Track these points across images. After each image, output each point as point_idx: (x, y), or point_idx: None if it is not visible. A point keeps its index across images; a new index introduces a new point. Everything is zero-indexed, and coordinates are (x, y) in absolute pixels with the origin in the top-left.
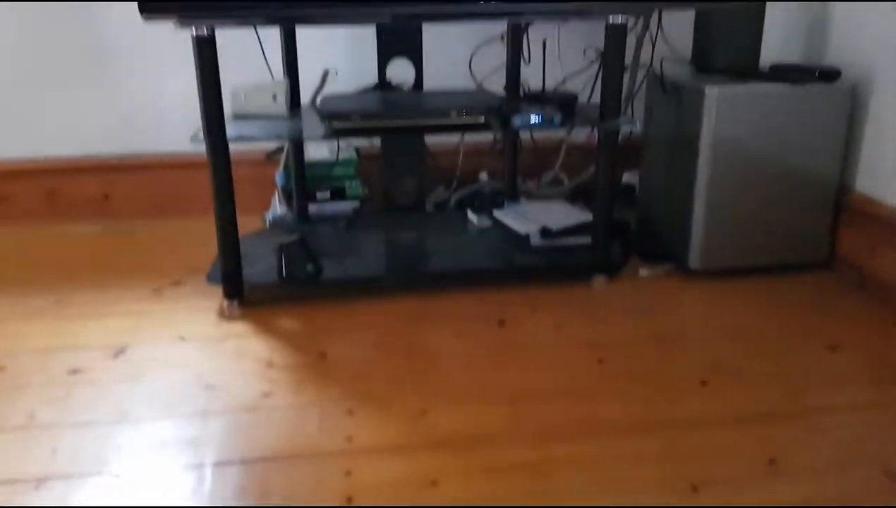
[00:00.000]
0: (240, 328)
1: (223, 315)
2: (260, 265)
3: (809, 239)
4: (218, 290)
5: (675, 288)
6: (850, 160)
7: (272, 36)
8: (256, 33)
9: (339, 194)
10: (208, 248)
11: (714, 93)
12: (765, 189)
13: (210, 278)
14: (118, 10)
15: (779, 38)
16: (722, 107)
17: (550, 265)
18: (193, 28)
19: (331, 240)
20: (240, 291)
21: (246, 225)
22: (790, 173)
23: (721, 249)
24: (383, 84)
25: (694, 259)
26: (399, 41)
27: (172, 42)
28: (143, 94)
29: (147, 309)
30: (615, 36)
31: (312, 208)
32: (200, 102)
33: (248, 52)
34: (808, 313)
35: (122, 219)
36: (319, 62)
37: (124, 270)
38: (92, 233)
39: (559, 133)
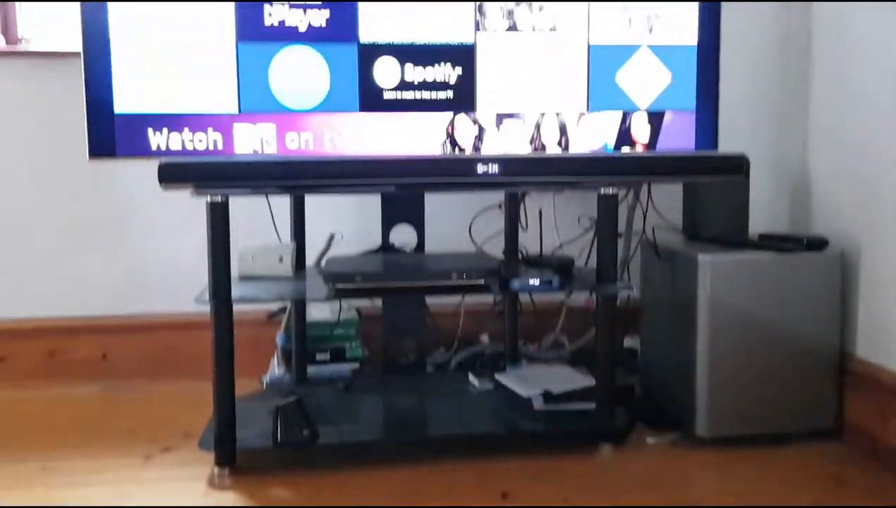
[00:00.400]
0: (229, 498)
1: (213, 484)
2: (254, 428)
3: (816, 406)
4: (210, 457)
5: (683, 458)
6: (848, 326)
7: (282, 200)
8: (268, 200)
9: (338, 355)
10: (204, 410)
11: (707, 261)
12: (766, 355)
13: (202, 444)
14: (125, 174)
15: (765, 208)
16: (716, 274)
17: (554, 431)
18: (209, 195)
19: (328, 404)
20: (232, 458)
21: (243, 386)
22: (789, 339)
23: (727, 416)
24: (386, 248)
25: (700, 426)
26: (402, 208)
27: (176, 204)
28: (143, 254)
29: (135, 478)
30: (607, 205)
31: (311, 370)
32: (209, 264)
33: (257, 214)
34: (820, 483)
35: (119, 380)
36: (326, 226)
37: (116, 435)
38: (89, 394)
39: (558, 296)
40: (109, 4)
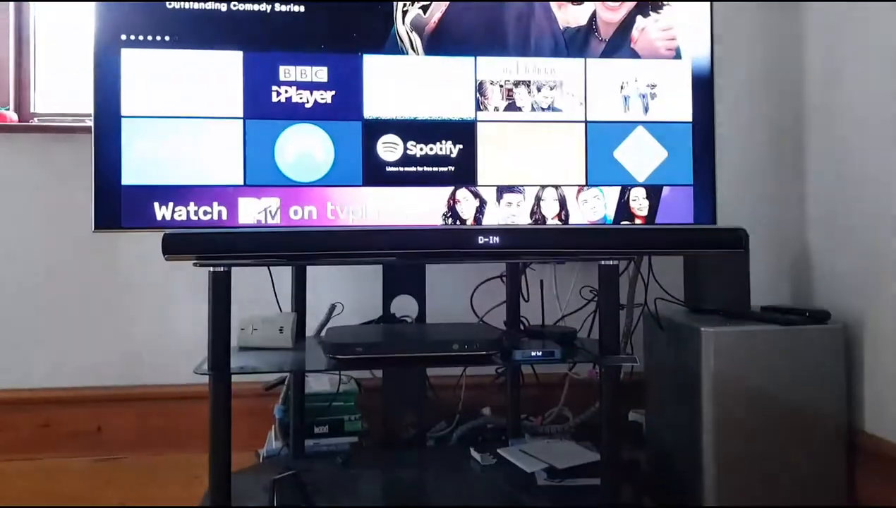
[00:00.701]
0: None
1: None
2: (250, 503)
3: (825, 481)
4: None
5: None
6: (855, 400)
7: (283, 269)
8: (269, 271)
9: (337, 428)
10: (199, 484)
11: (710, 334)
12: (773, 429)
13: None
14: (127, 245)
15: (765, 281)
16: (719, 347)
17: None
18: (211, 266)
19: (326, 479)
20: None
21: (239, 460)
22: (796, 413)
23: (736, 492)
24: (387, 318)
25: (708, 501)
26: (403, 279)
27: (176, 275)
28: (142, 325)
29: None
30: (608, 277)
31: (309, 443)
32: (209, 335)
33: (257, 284)
34: None
35: (114, 452)
36: (327, 296)
37: None
38: (82, 467)
39: (561, 368)
40: (122, 80)
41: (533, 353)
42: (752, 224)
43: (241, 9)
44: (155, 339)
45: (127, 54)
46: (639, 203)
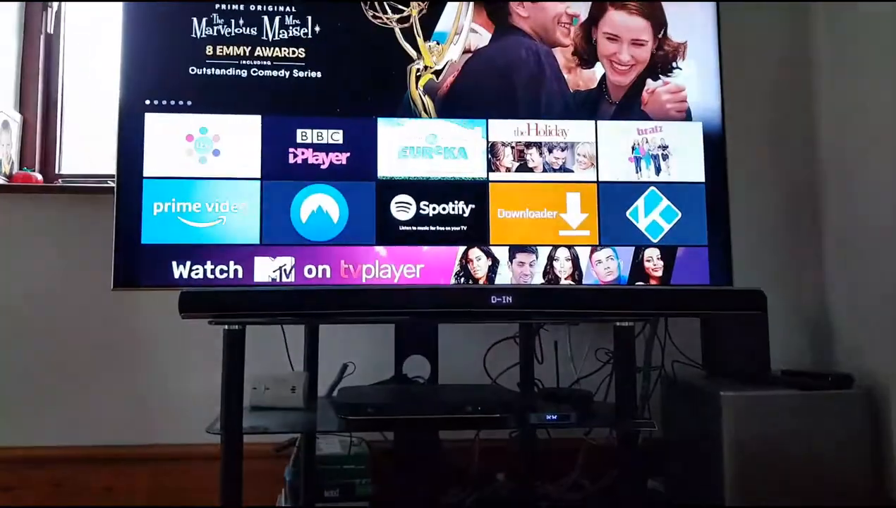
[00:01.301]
0: None
1: None
2: None
3: None
4: None
5: None
6: (883, 468)
7: (296, 329)
8: (282, 329)
9: (348, 492)
10: None
11: (730, 398)
12: (796, 496)
13: None
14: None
15: (784, 343)
16: (740, 411)
17: None
18: (226, 324)
19: None
20: None
21: None
22: (819, 480)
23: None
24: (400, 379)
25: None
26: (416, 339)
27: (188, 332)
28: (155, 384)
29: None
30: (623, 338)
31: (319, 507)
32: (222, 394)
33: (270, 342)
34: None
35: None
36: (339, 355)
37: None
38: None
39: (577, 432)
40: (146, 143)
41: (548, 417)
42: (770, 285)
43: (261, 74)
44: (168, 397)
45: (150, 118)
46: (653, 263)
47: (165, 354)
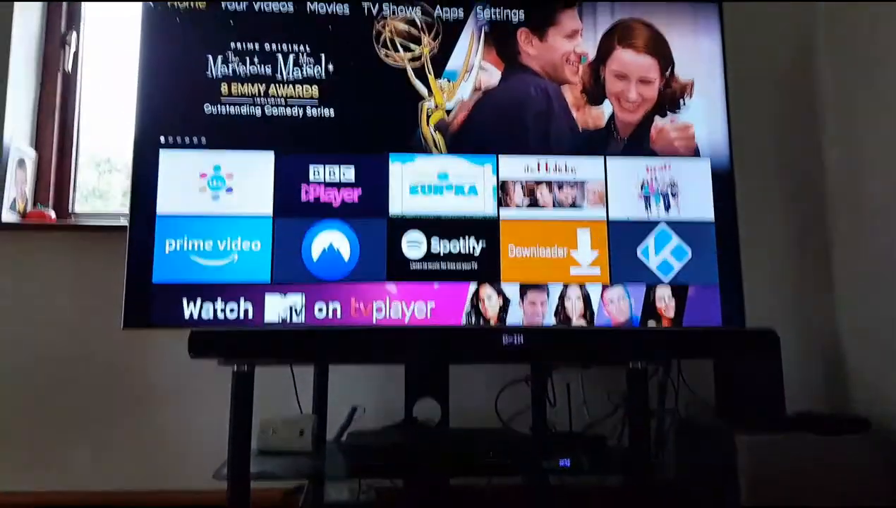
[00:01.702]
0: None
1: None
2: None
3: None
4: None
5: None
6: None
7: (305, 371)
8: (292, 372)
9: None
10: None
11: (745, 441)
12: None
13: None
14: (153, 343)
15: (799, 386)
16: (755, 455)
17: None
18: (235, 365)
19: None
20: None
21: None
22: None
23: None
24: (410, 422)
25: None
26: (426, 381)
27: (198, 372)
28: (161, 429)
29: None
30: (637, 381)
31: None
32: (230, 438)
33: (279, 383)
34: None
35: None
36: (349, 397)
37: None
38: None
39: (591, 477)
40: (160, 180)
41: (561, 463)
42: (784, 326)
43: (275, 112)
44: (177, 439)
45: (165, 155)
46: (665, 303)
47: (175, 395)
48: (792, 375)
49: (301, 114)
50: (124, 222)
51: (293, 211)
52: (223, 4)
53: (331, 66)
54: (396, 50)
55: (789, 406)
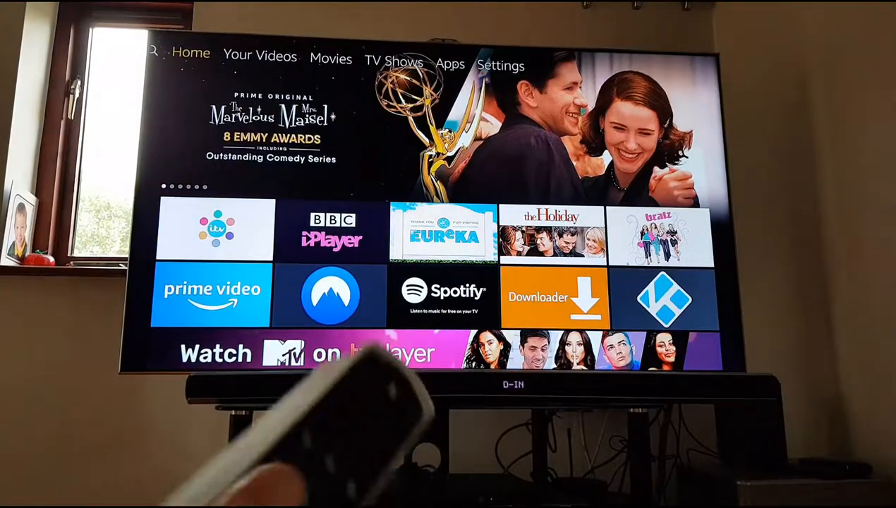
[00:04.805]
0: None
1: None
2: None
3: None
4: None
5: None
6: None
7: None
8: None
9: None
10: None
11: (747, 488)
12: None
13: None
14: (149, 387)
15: (800, 431)
16: (757, 501)
17: None
18: (233, 409)
19: None
20: None
21: None
22: None
23: None
24: (409, 467)
25: None
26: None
27: (196, 416)
28: (156, 473)
29: None
30: (638, 425)
31: None
32: None
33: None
34: None
35: None
36: None
37: None
38: None
39: None
40: (160, 226)
41: None
42: (783, 368)
43: (277, 160)
44: (174, 485)
45: (166, 202)
46: (666, 348)
47: (172, 439)
48: (793, 420)
49: (303, 162)
50: (123, 267)
51: (294, 256)
52: (227, 54)
53: (333, 116)
54: (399, 101)
55: (790, 451)
